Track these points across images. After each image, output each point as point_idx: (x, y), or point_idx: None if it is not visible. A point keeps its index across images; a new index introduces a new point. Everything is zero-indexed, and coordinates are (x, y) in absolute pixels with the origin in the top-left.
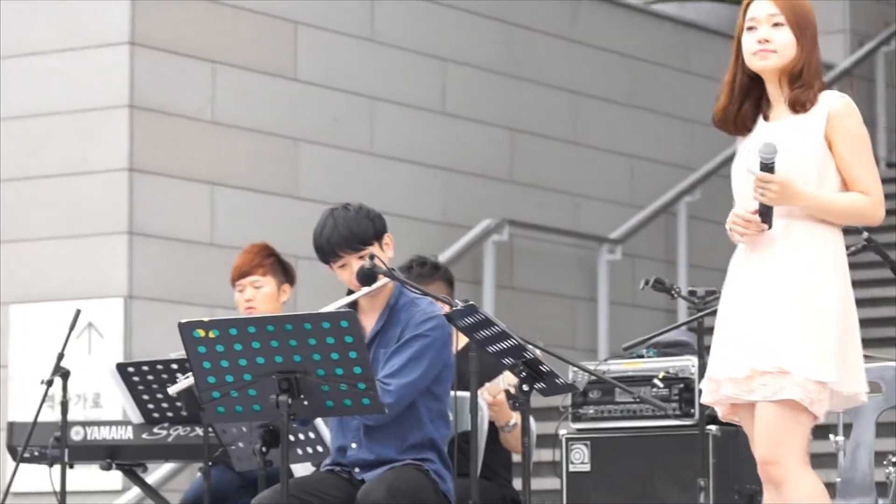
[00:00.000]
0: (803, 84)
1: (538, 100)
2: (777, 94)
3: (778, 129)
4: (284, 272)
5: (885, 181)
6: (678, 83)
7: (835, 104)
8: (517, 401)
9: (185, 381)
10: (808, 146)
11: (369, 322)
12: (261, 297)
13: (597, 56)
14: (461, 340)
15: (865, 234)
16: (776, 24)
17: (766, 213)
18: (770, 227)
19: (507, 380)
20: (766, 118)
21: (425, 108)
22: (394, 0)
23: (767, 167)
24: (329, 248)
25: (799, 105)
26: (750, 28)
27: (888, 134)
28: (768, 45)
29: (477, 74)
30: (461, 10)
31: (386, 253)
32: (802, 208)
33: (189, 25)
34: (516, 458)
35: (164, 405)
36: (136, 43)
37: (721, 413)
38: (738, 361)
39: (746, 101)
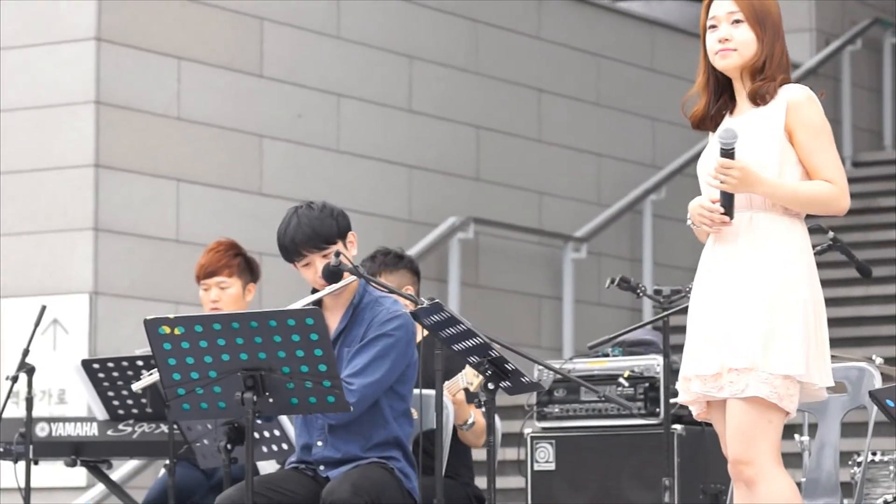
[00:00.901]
0: (765, 77)
1: (504, 97)
2: (741, 89)
3: (739, 122)
4: (250, 271)
5: (851, 180)
6: (644, 81)
7: (794, 95)
8: (479, 400)
9: (148, 378)
10: (767, 138)
11: (333, 320)
12: (227, 299)
13: (563, 54)
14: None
15: (831, 234)
16: (735, 22)
17: (727, 204)
18: (731, 218)
19: (466, 378)
20: (731, 113)
21: (391, 106)
22: None
23: (728, 153)
24: (293, 248)
25: (759, 97)
26: (712, 27)
27: (854, 133)
28: (728, 43)
29: (443, 72)
30: (428, 8)
31: (350, 251)
32: (764, 195)
33: (155, 21)
34: (477, 455)
35: (129, 402)
36: (102, 39)
37: (695, 412)
38: (708, 358)
39: (721, 98)
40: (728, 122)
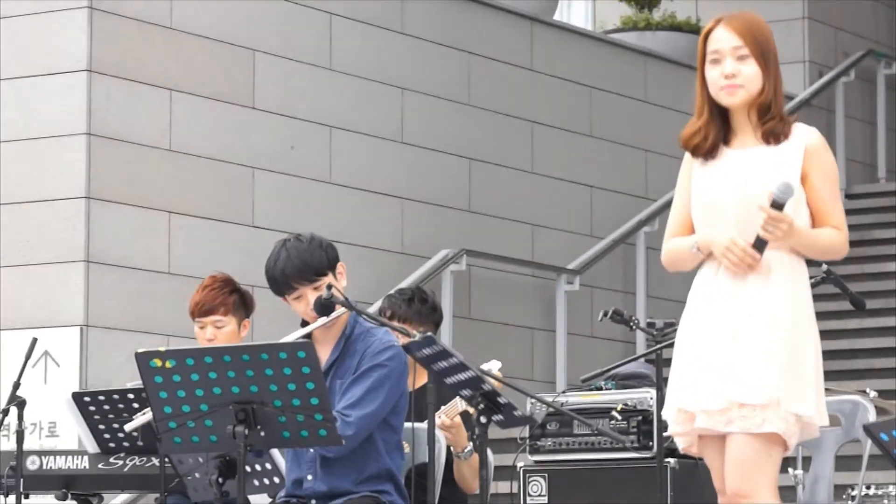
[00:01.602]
0: (774, 115)
1: (497, 129)
2: (744, 123)
3: (747, 158)
4: (245, 307)
5: (845, 212)
6: (637, 113)
7: (811, 139)
8: (472, 433)
9: (141, 419)
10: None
11: (324, 352)
12: (222, 337)
13: (555, 85)
14: (420, 378)
15: (825, 267)
16: (741, 57)
17: (760, 247)
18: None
19: (463, 401)
20: (727, 143)
21: (383, 137)
22: (351, 28)
23: (779, 206)
24: (283, 280)
25: (773, 137)
26: (714, 60)
27: (847, 164)
28: (735, 79)
29: (435, 103)
30: (419, 39)
31: (340, 282)
32: (793, 244)
33: (147, 53)
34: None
35: (120, 435)
36: (93, 70)
37: (683, 445)
38: (715, 393)
39: (714, 128)
40: (727, 153)
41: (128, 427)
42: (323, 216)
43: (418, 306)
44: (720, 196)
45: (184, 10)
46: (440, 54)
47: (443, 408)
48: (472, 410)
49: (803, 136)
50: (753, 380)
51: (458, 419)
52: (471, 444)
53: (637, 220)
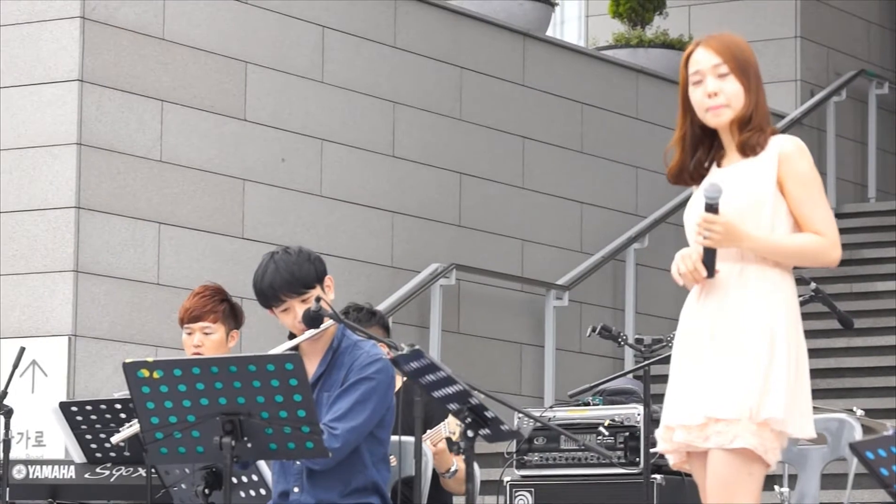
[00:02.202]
0: (753, 128)
1: (487, 144)
2: (729, 141)
3: (729, 174)
4: (234, 317)
5: None
6: (628, 129)
7: (785, 147)
8: (459, 447)
9: (127, 431)
10: (759, 190)
11: (311, 365)
12: (210, 345)
13: (546, 101)
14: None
15: (813, 285)
16: (721, 75)
17: (708, 261)
18: (711, 276)
19: (448, 427)
20: (718, 164)
21: (374, 151)
22: (344, 42)
23: (712, 208)
24: (272, 293)
25: (748, 149)
26: (696, 82)
27: (838, 184)
28: (718, 98)
29: (427, 118)
30: (412, 53)
31: (328, 295)
32: (750, 250)
33: (138, 63)
34: (456, 501)
35: (107, 445)
36: (84, 80)
37: (674, 462)
38: (694, 408)
39: (699, 151)
40: (717, 174)
41: (114, 439)
42: (313, 229)
43: (354, 314)
44: (699, 213)
45: (176, 22)
46: (432, 68)
47: (428, 432)
48: (455, 437)
49: (777, 144)
50: (725, 394)
51: (442, 444)
52: (455, 464)
53: (627, 236)
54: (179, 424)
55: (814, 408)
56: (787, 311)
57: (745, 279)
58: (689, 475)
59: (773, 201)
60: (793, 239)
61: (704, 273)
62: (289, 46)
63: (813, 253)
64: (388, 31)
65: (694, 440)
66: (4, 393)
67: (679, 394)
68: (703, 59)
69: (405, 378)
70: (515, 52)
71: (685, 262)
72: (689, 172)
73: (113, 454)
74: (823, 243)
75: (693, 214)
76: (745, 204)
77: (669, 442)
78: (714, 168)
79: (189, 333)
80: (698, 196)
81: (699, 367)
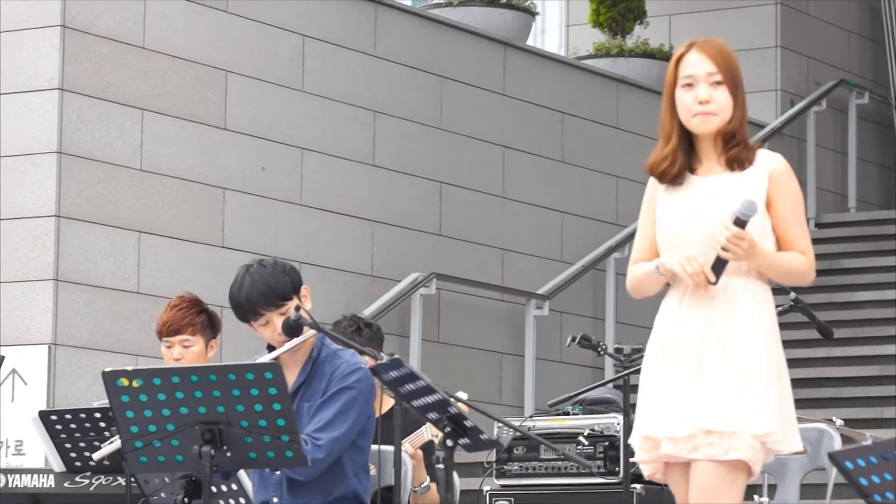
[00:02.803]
0: (739, 142)
1: (468, 153)
2: (710, 151)
3: (713, 185)
4: (212, 327)
5: (814, 241)
6: (608, 139)
7: (776, 166)
8: (438, 457)
9: (108, 447)
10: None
11: (291, 375)
12: (189, 357)
13: (527, 110)
14: (386, 404)
15: (793, 295)
16: (715, 83)
17: (717, 271)
18: (716, 283)
19: (431, 430)
20: (692, 171)
21: (354, 160)
22: (324, 51)
23: (742, 223)
24: (249, 306)
25: (737, 163)
26: (687, 85)
27: (818, 194)
28: (709, 106)
29: (407, 127)
30: (392, 63)
31: (305, 305)
32: (756, 266)
33: (118, 72)
34: None
35: (87, 454)
36: (65, 89)
37: (649, 472)
38: (681, 420)
39: (681, 153)
40: (695, 182)
41: (96, 456)
42: (293, 238)
43: (368, 332)
44: (686, 224)
45: (156, 31)
46: (412, 78)
47: (410, 436)
48: (437, 440)
49: (767, 162)
50: (720, 406)
51: (419, 453)
52: (427, 479)
53: (607, 245)
54: (159, 433)
55: None
56: (772, 325)
57: (732, 292)
58: (666, 485)
59: (762, 218)
60: (788, 258)
61: (713, 278)
62: (269, 55)
63: (800, 272)
64: (368, 39)
65: (680, 451)
66: None
67: (661, 405)
68: (697, 64)
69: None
70: (496, 61)
71: (691, 263)
72: (669, 173)
73: (93, 463)
74: (807, 263)
75: (689, 222)
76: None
77: (649, 452)
78: (688, 174)
79: (168, 347)
80: (682, 206)
81: (684, 380)
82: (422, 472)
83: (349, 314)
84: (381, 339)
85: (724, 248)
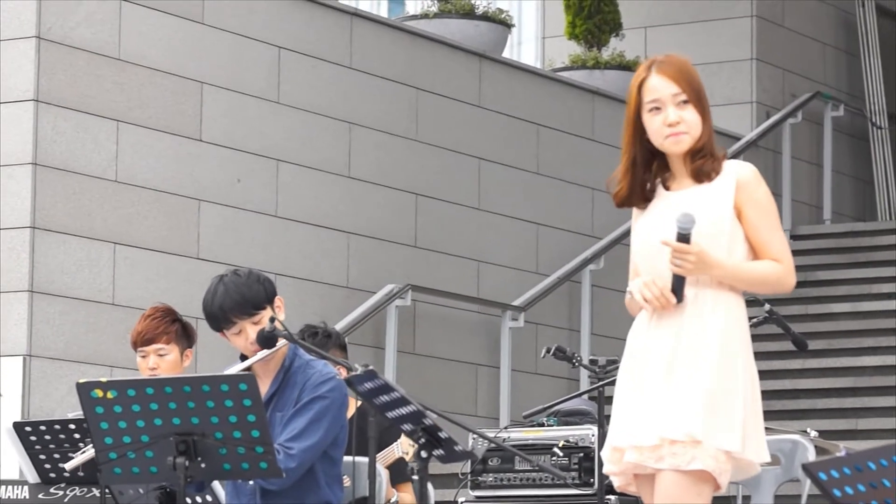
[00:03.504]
0: (705, 154)
1: (443, 165)
2: (680, 166)
3: (682, 198)
4: (187, 337)
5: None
6: (584, 151)
7: (742, 173)
8: (413, 468)
9: (81, 457)
10: (717, 216)
11: (263, 385)
12: (165, 366)
13: (502, 122)
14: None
15: (767, 307)
16: (681, 103)
17: (678, 287)
18: (680, 301)
19: (401, 447)
20: (666, 187)
21: (330, 171)
22: (299, 62)
23: (684, 237)
24: (222, 315)
25: (703, 175)
26: (654, 109)
27: (793, 206)
28: (679, 127)
29: (382, 138)
30: (368, 74)
31: (279, 315)
32: (717, 277)
33: (94, 84)
34: None
35: (61, 465)
36: (40, 100)
37: (619, 483)
38: (646, 429)
39: (648, 174)
40: (667, 198)
41: (68, 466)
42: (268, 250)
43: (310, 340)
44: (655, 240)
45: (132, 42)
46: (388, 89)
47: (381, 453)
48: (408, 457)
49: (734, 170)
50: (684, 416)
51: (385, 473)
52: (395, 495)
53: (582, 257)
54: (133, 445)
55: (767, 429)
56: (742, 336)
57: (701, 304)
58: (637, 497)
59: (730, 227)
60: (755, 266)
61: (674, 300)
62: (244, 67)
63: (773, 280)
64: (343, 51)
65: (645, 461)
66: None
67: (629, 415)
68: (661, 88)
69: (359, 400)
70: (471, 73)
71: (650, 288)
72: (639, 196)
73: (67, 475)
74: (782, 270)
75: (651, 243)
76: (703, 230)
77: (617, 463)
78: (661, 190)
79: (143, 357)
80: (650, 220)
81: (652, 389)
82: (388, 490)
83: (306, 326)
84: (344, 345)
85: (676, 265)
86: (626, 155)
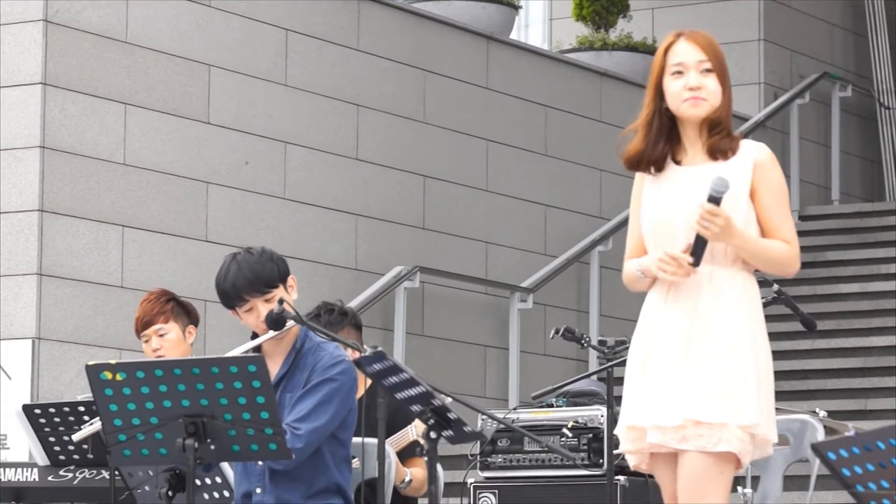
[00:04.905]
0: (721, 131)
1: (451, 147)
2: (695, 140)
3: (696, 175)
4: (187, 314)
5: (798, 234)
6: (592, 132)
7: (760, 155)
8: (421, 449)
9: (88, 429)
10: (735, 193)
11: (274, 366)
12: (168, 345)
13: (510, 104)
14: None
15: (776, 287)
16: (705, 71)
17: (697, 252)
18: (697, 265)
19: (416, 430)
20: (677, 161)
21: (337, 153)
22: (307, 44)
23: (716, 200)
24: (234, 293)
25: (720, 153)
26: (677, 72)
27: (801, 186)
28: (700, 92)
29: (390, 120)
30: (375, 56)
31: (291, 295)
32: (736, 247)
33: (101, 67)
34: (421, 502)
35: (71, 448)
36: (48, 83)
37: (634, 462)
38: (670, 410)
39: (661, 141)
40: (678, 171)
41: (75, 437)
42: (277, 232)
43: (326, 317)
44: (670, 214)
45: (139, 25)
46: (396, 71)
47: (394, 436)
48: (422, 441)
49: (752, 151)
50: (709, 397)
51: (394, 454)
52: (408, 474)
53: (591, 238)
54: (142, 426)
55: (776, 409)
56: (758, 316)
57: (717, 283)
58: (652, 476)
59: (745, 208)
60: (770, 244)
61: (691, 260)
62: (252, 49)
63: (783, 259)
64: (351, 33)
65: (669, 441)
66: None
67: (648, 394)
68: (686, 52)
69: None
70: (479, 54)
71: (667, 263)
72: (649, 160)
73: (76, 456)
74: (791, 252)
75: (671, 212)
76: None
77: (635, 442)
78: (671, 164)
79: (146, 341)
80: (670, 194)
81: (671, 369)
82: (401, 471)
83: (323, 304)
84: (359, 325)
85: (700, 224)
86: (644, 113)
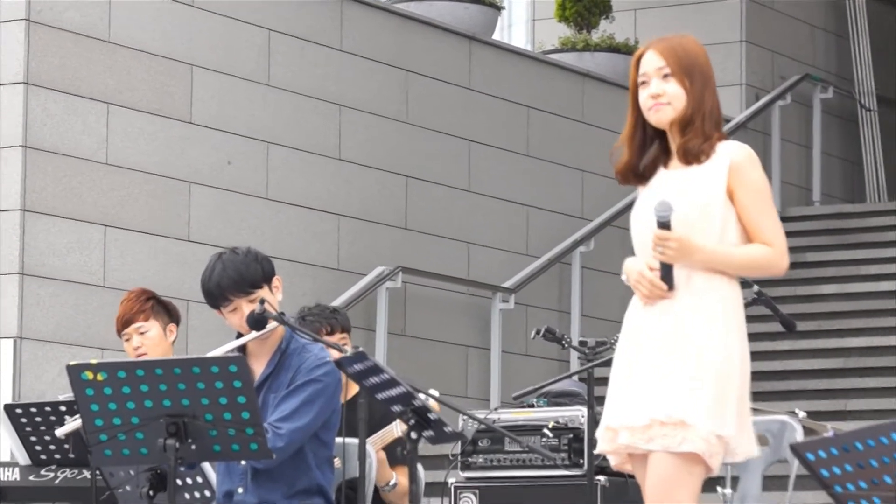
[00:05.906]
0: (693, 132)
1: (433, 147)
2: (674, 144)
3: (674, 178)
4: (167, 312)
5: None
6: (574, 133)
7: (736, 155)
8: (401, 449)
9: (72, 424)
10: (709, 198)
11: (259, 366)
12: (149, 343)
13: (492, 104)
14: (351, 390)
15: (756, 288)
16: (665, 76)
17: (666, 274)
18: (671, 288)
19: (400, 427)
20: (665, 166)
21: (320, 153)
22: (289, 44)
23: (664, 225)
24: (219, 292)
25: (690, 156)
26: (643, 83)
27: (782, 187)
28: (661, 98)
29: (373, 120)
30: (358, 56)
31: (275, 296)
32: (701, 263)
33: (84, 66)
34: None
35: (52, 447)
36: (30, 83)
37: (615, 462)
38: (638, 410)
39: (648, 152)
40: (663, 176)
41: (59, 432)
42: (259, 231)
43: (330, 314)
44: (648, 218)
45: (122, 24)
46: (378, 71)
47: (379, 433)
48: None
49: (728, 152)
50: (672, 398)
51: (382, 454)
52: (394, 477)
53: (572, 239)
54: (124, 426)
55: (755, 410)
56: (735, 319)
57: (694, 286)
58: (632, 476)
59: (722, 210)
60: (742, 251)
61: (666, 288)
62: (234, 49)
63: (762, 264)
64: (333, 34)
65: (637, 441)
66: None
67: (622, 395)
68: (649, 62)
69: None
70: (461, 55)
71: (641, 282)
72: (640, 174)
73: (58, 456)
74: (772, 254)
75: (640, 221)
76: (694, 212)
77: (610, 443)
78: (661, 169)
79: (127, 340)
80: (643, 200)
81: (644, 370)
82: (388, 472)
83: (313, 305)
84: (348, 327)
85: (654, 251)
86: (626, 129)
